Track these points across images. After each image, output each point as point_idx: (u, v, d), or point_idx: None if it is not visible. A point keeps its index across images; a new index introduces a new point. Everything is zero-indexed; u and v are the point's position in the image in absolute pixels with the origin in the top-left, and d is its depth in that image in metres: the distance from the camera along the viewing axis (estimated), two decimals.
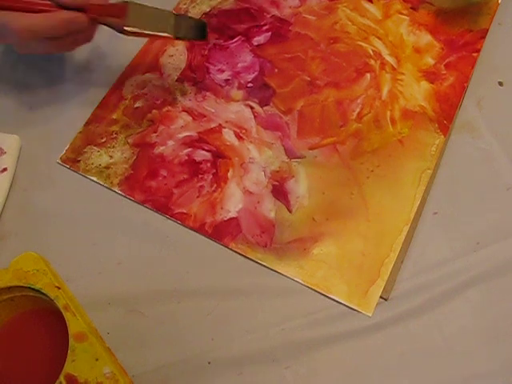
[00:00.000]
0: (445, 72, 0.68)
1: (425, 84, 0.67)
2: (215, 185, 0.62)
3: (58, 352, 0.46)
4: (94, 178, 0.63)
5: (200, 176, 0.63)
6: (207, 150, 0.64)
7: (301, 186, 0.62)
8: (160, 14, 0.63)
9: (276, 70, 0.69)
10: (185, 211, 0.61)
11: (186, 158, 0.64)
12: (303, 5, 0.74)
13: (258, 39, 0.72)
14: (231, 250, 0.59)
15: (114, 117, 0.67)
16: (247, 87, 0.68)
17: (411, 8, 0.73)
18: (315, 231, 0.59)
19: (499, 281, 0.57)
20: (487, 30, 0.71)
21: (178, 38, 0.63)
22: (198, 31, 0.64)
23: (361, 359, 0.54)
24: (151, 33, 0.61)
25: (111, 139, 0.65)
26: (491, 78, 0.69)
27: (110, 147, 0.65)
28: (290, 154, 0.64)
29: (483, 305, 0.56)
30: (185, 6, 0.74)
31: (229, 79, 0.69)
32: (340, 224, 0.60)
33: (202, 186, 0.62)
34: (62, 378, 0.44)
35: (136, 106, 0.68)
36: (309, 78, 0.68)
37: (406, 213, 0.60)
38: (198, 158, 0.64)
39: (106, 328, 0.52)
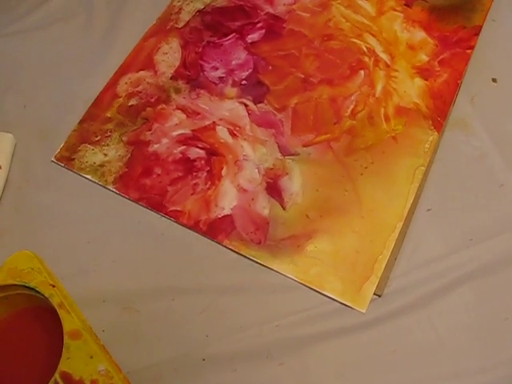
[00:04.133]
0: (438, 69, 0.68)
1: (419, 81, 0.68)
2: (209, 182, 0.62)
3: (53, 350, 0.46)
4: (89, 176, 0.63)
5: (194, 174, 0.63)
6: (201, 148, 0.64)
7: (295, 183, 0.62)
8: None
9: (270, 68, 0.69)
10: (179, 209, 0.61)
11: (180, 155, 0.64)
12: (297, 2, 0.74)
13: (252, 36, 0.72)
14: (225, 247, 0.59)
15: (109, 115, 0.67)
16: (241, 84, 0.68)
17: (405, 5, 0.73)
18: (309, 228, 0.60)
19: (492, 277, 0.57)
20: (481, 27, 0.71)
21: None
22: None
23: (354, 355, 0.54)
24: None
25: (105, 137, 0.65)
26: (485, 75, 0.69)
27: (104, 145, 0.65)
28: (284, 151, 0.64)
29: (476, 301, 0.56)
30: (179, 4, 0.74)
31: (223, 77, 0.69)
32: (334, 221, 0.60)
33: (196, 184, 0.62)
34: (57, 375, 0.44)
35: (130, 104, 0.68)
36: (303, 76, 0.69)
37: (400, 209, 0.60)
38: (192, 156, 0.64)
39: (101, 325, 0.53)
